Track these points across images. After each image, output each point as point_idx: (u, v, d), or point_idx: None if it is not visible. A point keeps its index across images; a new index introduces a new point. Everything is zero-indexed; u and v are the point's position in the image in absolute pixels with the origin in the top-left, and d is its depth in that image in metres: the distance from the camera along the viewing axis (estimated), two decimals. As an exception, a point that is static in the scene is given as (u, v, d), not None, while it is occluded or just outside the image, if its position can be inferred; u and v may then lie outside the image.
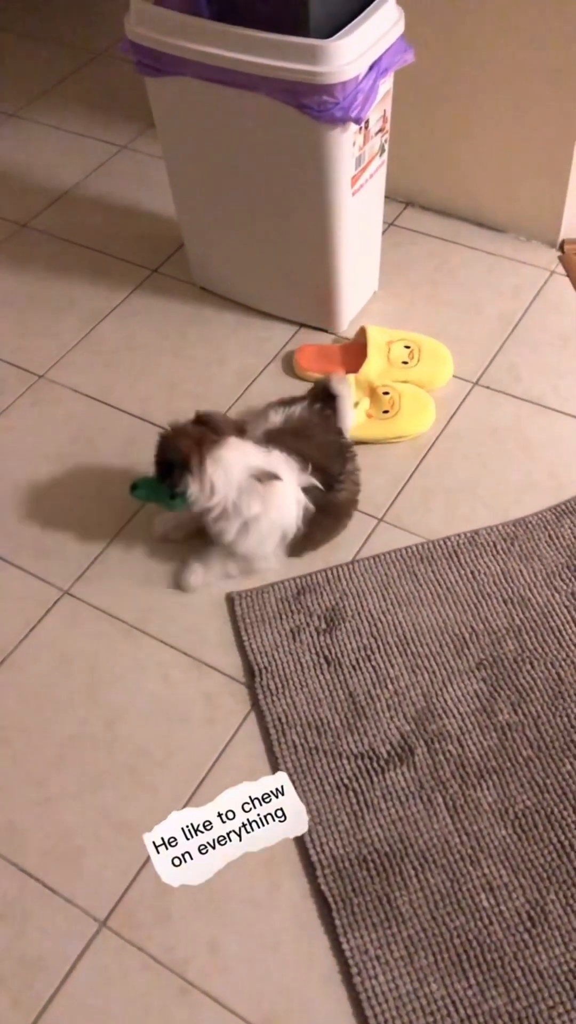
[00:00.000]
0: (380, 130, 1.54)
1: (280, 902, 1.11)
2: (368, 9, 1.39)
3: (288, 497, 1.31)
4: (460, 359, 1.66)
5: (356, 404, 1.55)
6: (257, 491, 1.28)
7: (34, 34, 2.66)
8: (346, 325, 1.75)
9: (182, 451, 1.27)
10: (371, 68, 1.39)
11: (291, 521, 1.33)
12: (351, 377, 1.57)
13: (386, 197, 1.70)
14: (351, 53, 1.34)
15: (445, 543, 1.41)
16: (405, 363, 1.62)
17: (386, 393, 1.56)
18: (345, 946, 1.06)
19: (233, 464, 1.27)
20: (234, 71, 1.38)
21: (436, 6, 1.64)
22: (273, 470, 1.30)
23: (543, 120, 1.69)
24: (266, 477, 1.28)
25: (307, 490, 1.33)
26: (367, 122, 1.46)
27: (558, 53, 1.59)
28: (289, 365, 1.69)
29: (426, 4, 1.63)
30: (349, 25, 1.36)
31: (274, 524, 1.32)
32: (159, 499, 1.35)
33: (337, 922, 1.07)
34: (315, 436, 1.40)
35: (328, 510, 1.36)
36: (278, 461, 1.32)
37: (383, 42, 1.40)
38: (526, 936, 1.06)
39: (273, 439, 1.36)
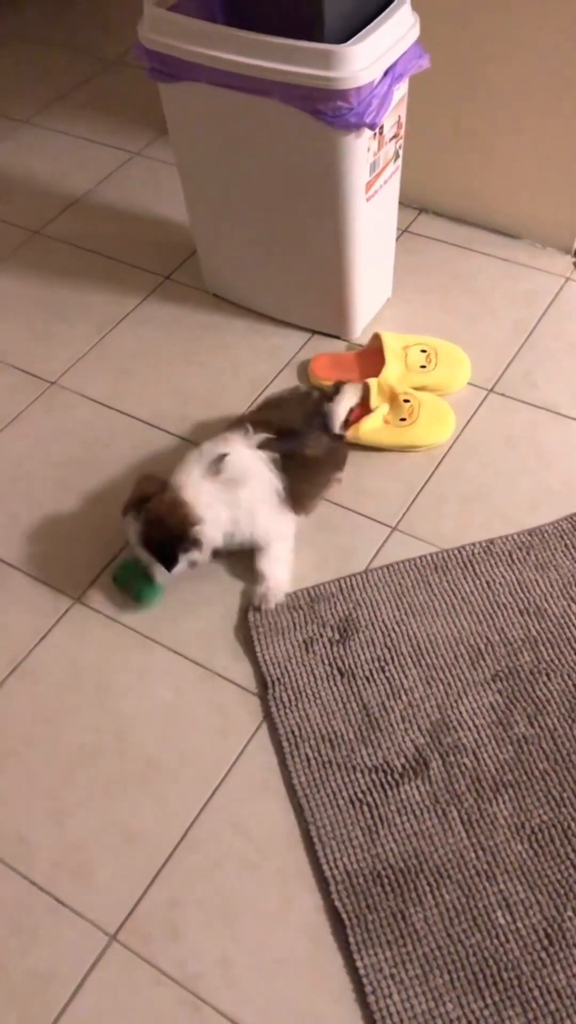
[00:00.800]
0: (395, 136, 1.53)
1: (293, 918, 1.09)
2: (383, 14, 1.38)
3: (244, 459, 1.33)
4: (475, 366, 1.65)
5: (375, 409, 1.53)
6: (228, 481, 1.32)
7: (48, 41, 2.67)
8: (359, 332, 1.73)
9: (181, 527, 1.29)
10: (386, 73, 1.38)
11: (267, 476, 1.33)
12: (372, 381, 1.55)
13: (400, 203, 1.69)
14: (366, 58, 1.33)
15: (459, 552, 1.39)
16: (423, 367, 1.60)
17: (407, 401, 1.55)
18: (359, 964, 1.04)
19: (204, 497, 1.30)
20: (248, 76, 1.37)
21: (451, 10, 1.63)
22: (216, 452, 1.33)
23: (559, 126, 1.67)
24: (214, 465, 1.31)
25: (266, 445, 1.35)
26: (381, 128, 1.45)
27: (574, 59, 1.58)
28: (302, 372, 1.68)
29: (441, 8, 1.62)
30: (364, 30, 1.34)
31: (256, 492, 1.33)
32: (144, 584, 1.37)
33: (351, 939, 1.06)
34: (284, 407, 1.46)
35: (298, 462, 1.36)
36: (224, 442, 1.35)
37: (398, 47, 1.39)
38: (543, 954, 1.04)
39: (249, 418, 1.41)
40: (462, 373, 1.63)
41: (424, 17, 1.45)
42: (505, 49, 1.64)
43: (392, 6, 1.40)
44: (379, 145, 1.48)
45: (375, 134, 1.44)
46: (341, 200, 1.48)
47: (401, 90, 1.47)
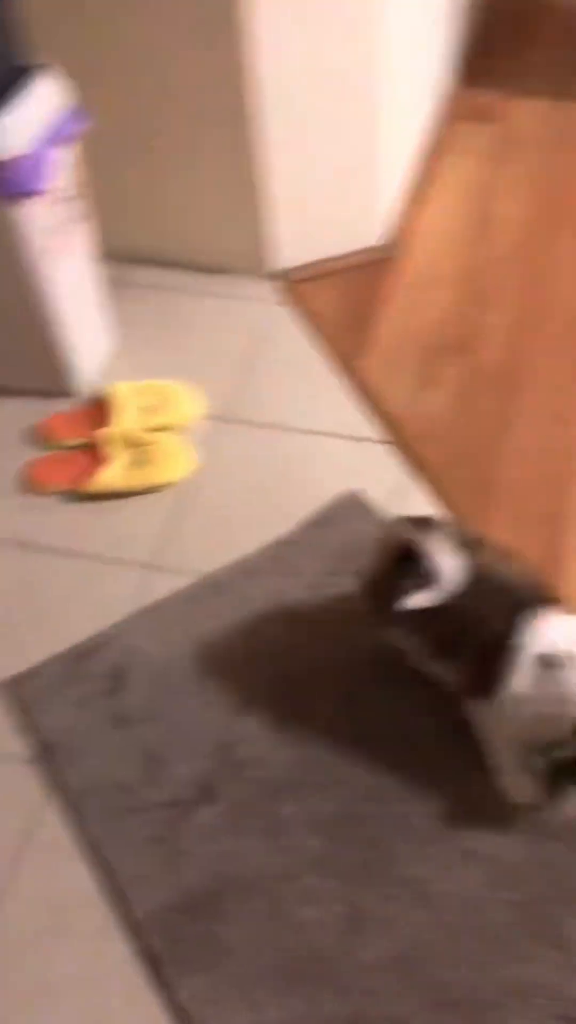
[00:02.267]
0: (73, 196, 1.58)
1: (109, 971, 1.09)
2: (15, 86, 1.42)
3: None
4: (206, 398, 1.71)
5: (112, 459, 1.58)
6: None
7: None
8: (85, 387, 1.75)
9: None
10: (41, 141, 1.42)
11: None
12: (106, 432, 1.60)
13: (104, 256, 1.74)
14: (9, 133, 1.37)
15: (214, 576, 1.44)
16: (152, 409, 1.66)
17: (142, 444, 1.59)
18: (179, 997, 1.05)
19: None
20: None
21: (111, 72, 1.69)
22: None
23: (228, 161, 1.77)
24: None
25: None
26: (54, 191, 1.50)
27: (224, 97, 1.68)
28: (36, 435, 1.68)
29: (103, 70, 1.67)
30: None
31: None
32: None
33: (166, 975, 1.06)
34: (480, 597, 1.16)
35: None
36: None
37: (46, 115, 1.44)
38: (349, 935, 1.08)
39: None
40: (192, 408, 1.69)
41: (87, 79, 1.52)
42: (166, 96, 1.71)
43: (23, 77, 1.44)
44: (55, 208, 1.52)
45: (47, 199, 1.48)
46: (24, 266, 1.51)
47: (68, 153, 1.53)
